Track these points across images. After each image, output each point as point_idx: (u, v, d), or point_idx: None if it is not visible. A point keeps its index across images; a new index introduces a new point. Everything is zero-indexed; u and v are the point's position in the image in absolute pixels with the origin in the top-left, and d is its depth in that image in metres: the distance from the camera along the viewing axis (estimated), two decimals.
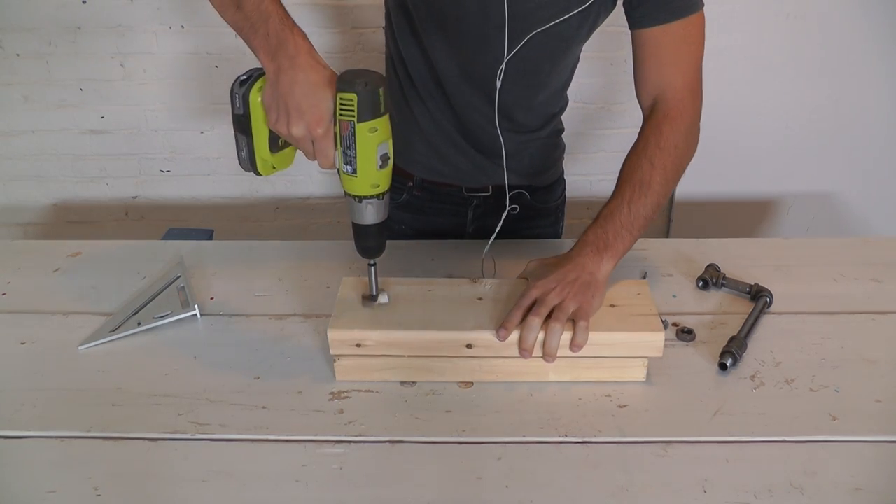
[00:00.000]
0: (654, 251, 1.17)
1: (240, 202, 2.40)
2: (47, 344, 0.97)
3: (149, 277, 1.11)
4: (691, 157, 1.00)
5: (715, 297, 1.06)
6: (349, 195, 0.83)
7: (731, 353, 0.91)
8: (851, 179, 2.34)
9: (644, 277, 1.10)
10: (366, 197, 0.82)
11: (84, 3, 2.06)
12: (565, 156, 1.32)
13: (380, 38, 1.18)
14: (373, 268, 0.88)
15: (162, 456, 0.79)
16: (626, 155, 1.00)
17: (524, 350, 0.84)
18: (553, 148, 1.25)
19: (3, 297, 1.07)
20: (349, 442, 0.80)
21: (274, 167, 0.88)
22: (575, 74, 1.17)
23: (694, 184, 2.27)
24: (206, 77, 2.16)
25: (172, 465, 0.77)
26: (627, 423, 0.83)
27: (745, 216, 2.41)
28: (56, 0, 2.05)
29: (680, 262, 1.14)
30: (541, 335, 0.84)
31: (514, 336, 0.85)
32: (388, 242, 0.89)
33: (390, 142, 0.81)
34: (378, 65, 1.20)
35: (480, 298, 0.91)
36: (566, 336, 0.84)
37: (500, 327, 0.85)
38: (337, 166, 0.82)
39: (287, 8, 0.83)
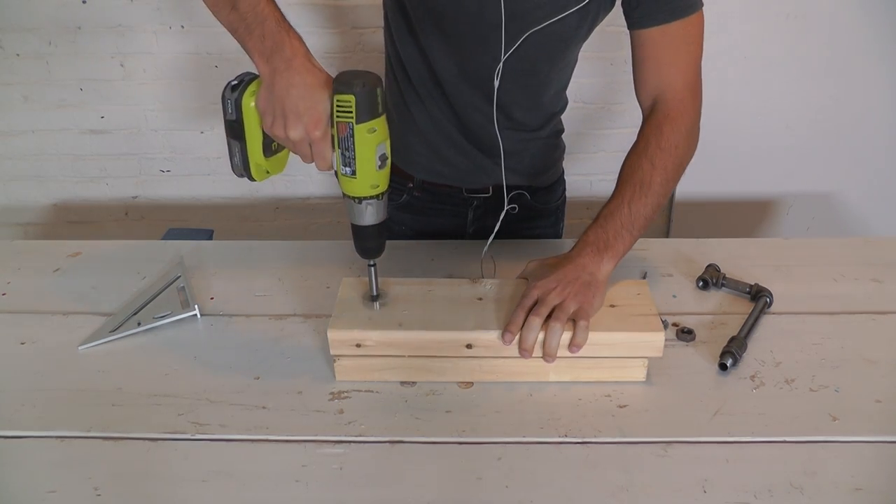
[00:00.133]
0: (654, 251, 1.17)
1: (240, 202, 2.40)
2: (47, 344, 0.97)
3: (149, 277, 1.11)
4: (691, 157, 1.00)
5: (715, 297, 1.06)
6: (348, 197, 0.83)
7: (731, 353, 0.91)
8: (851, 179, 2.34)
9: (644, 277, 1.10)
10: (365, 198, 0.82)
11: (84, 3, 2.06)
12: (565, 156, 1.32)
13: (379, 38, 1.18)
14: (373, 268, 0.88)
15: (162, 456, 0.79)
16: (626, 155, 1.00)
17: (524, 350, 0.84)
18: (553, 148, 1.25)
19: (3, 297, 1.07)
20: (349, 442, 0.80)
21: (268, 172, 0.88)
22: (575, 74, 1.17)
23: (694, 184, 2.28)
24: (206, 77, 2.16)
25: (172, 465, 0.77)
26: (627, 423, 0.83)
27: (745, 216, 2.41)
28: (56, 0, 2.05)
29: (680, 262, 1.14)
30: (541, 335, 0.84)
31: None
32: (388, 243, 0.89)
33: (388, 142, 0.81)
34: (378, 65, 1.20)
35: (480, 298, 0.91)
36: (566, 336, 0.84)
37: (505, 330, 0.84)
38: (335, 168, 0.82)
39: (286, 8, 0.82)
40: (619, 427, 0.82)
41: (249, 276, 1.12)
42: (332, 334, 0.86)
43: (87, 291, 1.08)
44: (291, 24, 0.82)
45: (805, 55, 2.14)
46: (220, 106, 0.83)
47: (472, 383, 0.89)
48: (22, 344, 0.97)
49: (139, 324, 0.99)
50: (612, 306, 0.89)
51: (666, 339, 0.86)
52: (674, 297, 1.06)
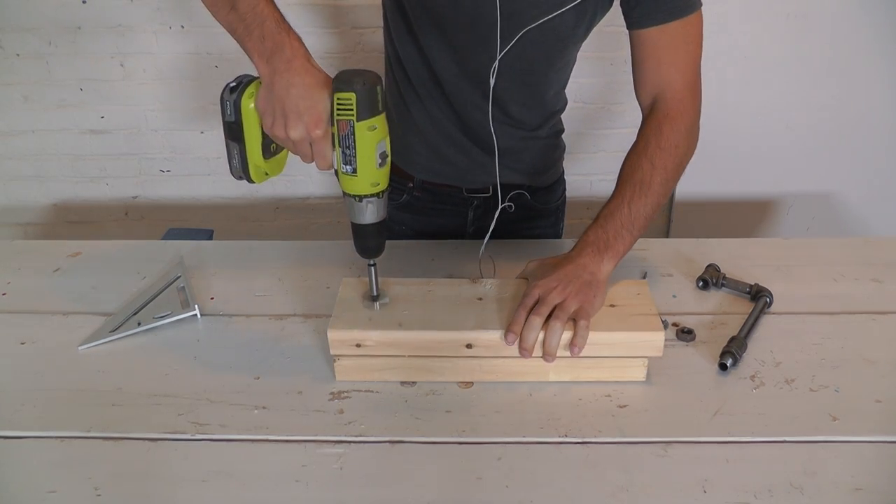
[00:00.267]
0: (654, 251, 1.17)
1: (240, 202, 2.40)
2: (47, 344, 0.97)
3: (149, 277, 1.11)
4: (691, 157, 1.00)
5: (715, 297, 1.06)
6: (349, 195, 0.83)
7: (732, 353, 0.91)
8: (851, 179, 2.34)
9: (644, 277, 1.10)
10: (366, 196, 0.82)
11: (84, 3, 2.06)
12: (565, 156, 1.32)
13: (379, 38, 1.18)
14: (373, 268, 0.88)
15: (162, 456, 0.79)
16: (625, 155, 1.00)
17: (524, 349, 0.84)
18: (553, 148, 1.26)
19: (3, 297, 1.07)
20: (349, 442, 0.80)
21: (266, 174, 0.88)
22: (575, 74, 1.17)
23: (694, 184, 2.28)
24: (206, 77, 2.16)
25: (172, 465, 0.77)
26: (627, 423, 0.83)
27: (745, 216, 2.41)
28: (56, 0, 2.05)
29: (680, 262, 1.14)
30: (541, 335, 0.84)
31: None
32: (388, 243, 0.89)
33: (388, 140, 0.81)
34: (377, 65, 1.20)
35: (480, 298, 0.91)
36: (567, 336, 0.84)
37: (508, 330, 0.84)
38: (335, 167, 0.82)
39: (286, 8, 0.83)
40: (619, 427, 0.82)
41: (249, 276, 1.12)
42: (332, 334, 0.86)
43: (87, 291, 1.08)
44: (290, 24, 0.82)
45: (805, 55, 2.14)
46: (219, 106, 0.83)
47: (472, 383, 0.89)
48: (22, 344, 0.97)
49: (139, 324, 0.99)
50: (613, 306, 0.89)
51: (666, 339, 0.86)
52: (674, 297, 1.06)
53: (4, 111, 2.22)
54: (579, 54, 1.13)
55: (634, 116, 1.04)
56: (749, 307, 1.02)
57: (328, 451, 0.79)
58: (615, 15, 1.02)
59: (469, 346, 0.86)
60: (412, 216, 1.25)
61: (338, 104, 0.77)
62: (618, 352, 0.86)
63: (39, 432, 0.82)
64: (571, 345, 0.84)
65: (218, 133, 2.25)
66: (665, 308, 1.02)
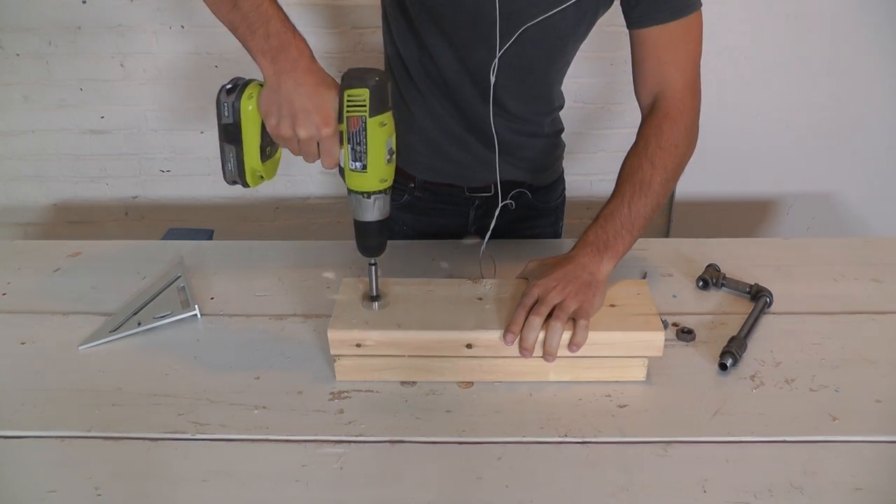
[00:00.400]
0: (654, 251, 1.17)
1: (240, 202, 2.40)
2: (47, 344, 0.97)
3: (149, 277, 1.11)
4: (691, 156, 1.00)
5: (715, 297, 1.06)
6: (356, 192, 0.83)
7: (731, 353, 0.91)
8: (851, 179, 2.34)
9: (644, 277, 1.10)
10: (374, 192, 0.83)
11: (84, 3, 2.06)
12: (565, 156, 1.32)
13: (379, 38, 1.18)
14: (373, 267, 0.88)
15: (162, 456, 0.79)
16: (625, 155, 1.00)
17: (524, 349, 0.84)
18: (554, 147, 1.26)
19: (3, 297, 1.07)
20: (349, 442, 0.80)
21: (262, 177, 0.87)
22: (575, 74, 1.18)
23: (694, 184, 2.28)
24: (206, 77, 2.16)
25: (172, 465, 0.77)
26: (627, 423, 0.83)
27: (745, 216, 2.41)
28: (56, 0, 2.05)
29: (680, 262, 1.14)
30: (541, 335, 0.84)
31: None
32: (389, 242, 0.89)
33: (394, 137, 0.82)
34: (377, 65, 1.20)
35: (480, 298, 0.91)
36: (567, 335, 0.84)
37: (507, 331, 0.85)
38: (342, 165, 0.82)
39: (287, 8, 0.82)
40: (619, 427, 0.82)
41: (249, 276, 1.12)
42: (332, 334, 0.86)
43: (87, 291, 1.08)
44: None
45: (805, 55, 2.14)
46: (215, 109, 0.83)
47: (472, 383, 0.89)
48: (22, 344, 0.97)
49: (139, 324, 0.99)
50: (612, 306, 0.89)
51: (666, 339, 0.86)
52: (674, 297, 1.06)
53: (4, 111, 2.22)
54: (580, 54, 1.13)
55: (634, 116, 1.05)
56: (749, 307, 1.02)
57: (328, 451, 0.79)
58: (615, 15, 1.02)
59: (469, 346, 0.86)
60: (413, 216, 1.25)
61: (349, 101, 0.77)
62: (618, 352, 0.87)
63: (39, 432, 0.82)
64: (571, 343, 0.84)
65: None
66: (665, 308, 1.02)
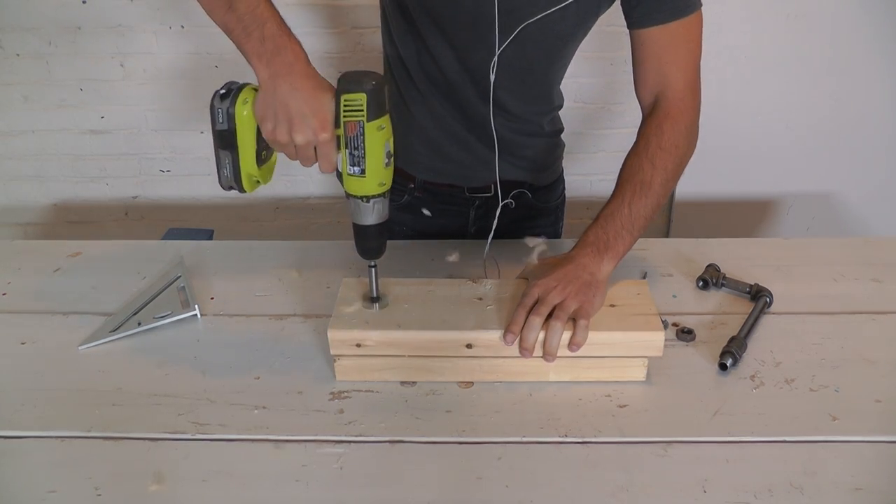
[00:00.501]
0: (654, 251, 1.17)
1: (240, 202, 2.40)
2: (47, 344, 0.97)
3: (149, 277, 1.11)
4: (691, 156, 1.01)
5: (715, 297, 1.06)
6: (355, 197, 0.83)
7: (731, 353, 0.91)
8: (851, 179, 2.34)
9: (644, 277, 1.10)
10: (373, 196, 0.82)
11: (84, 3, 2.06)
12: (565, 156, 1.32)
13: (379, 38, 1.18)
14: (373, 269, 0.88)
15: (162, 456, 0.79)
16: (626, 154, 1.00)
17: (525, 349, 0.84)
18: (554, 147, 1.26)
19: (3, 297, 1.07)
20: (349, 442, 0.80)
21: (258, 182, 0.87)
22: (575, 74, 1.18)
23: (694, 184, 2.27)
24: (206, 77, 2.16)
25: (172, 465, 0.77)
26: (627, 423, 0.83)
27: (745, 216, 2.41)
28: (56, 0, 2.05)
29: (680, 262, 1.14)
30: (541, 335, 0.84)
31: None
32: (389, 243, 0.90)
33: (392, 140, 0.81)
34: (377, 65, 1.20)
35: (480, 298, 0.91)
36: (567, 335, 0.84)
37: (507, 331, 0.85)
38: (339, 169, 0.82)
39: (286, 8, 0.82)
40: (619, 427, 0.82)
41: (249, 276, 1.12)
42: (332, 334, 0.86)
43: (87, 291, 1.08)
44: (289, 26, 0.82)
45: (805, 55, 2.14)
46: (210, 115, 0.82)
47: (472, 383, 0.89)
48: (22, 344, 0.97)
49: (139, 324, 0.99)
50: (613, 306, 0.89)
51: (666, 339, 0.86)
52: (674, 297, 1.06)
53: (4, 111, 2.22)
54: (580, 54, 1.13)
55: (634, 116, 1.05)
56: (749, 307, 1.02)
57: (328, 451, 0.79)
58: (615, 15, 1.02)
59: (469, 346, 0.86)
60: (413, 217, 1.25)
61: (345, 106, 0.77)
62: (618, 352, 0.87)
63: (39, 432, 0.82)
64: (571, 343, 0.84)
65: None
66: (665, 308, 1.02)
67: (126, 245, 1.22)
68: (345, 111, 0.77)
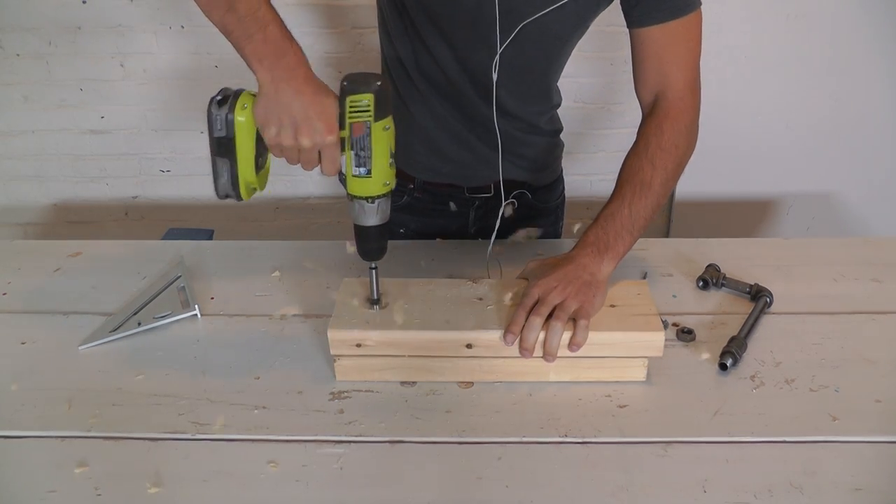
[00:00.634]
0: (654, 251, 1.17)
1: (240, 202, 2.40)
2: (47, 344, 0.97)
3: (149, 277, 1.11)
4: (691, 156, 1.01)
5: (715, 297, 1.06)
6: (359, 198, 0.82)
7: (732, 353, 0.91)
8: (851, 179, 2.34)
9: (644, 277, 1.10)
10: (377, 196, 0.82)
11: (84, 3, 2.06)
12: (565, 156, 1.32)
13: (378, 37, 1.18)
14: (374, 271, 0.88)
15: (162, 456, 0.79)
16: (626, 154, 1.00)
17: (525, 349, 0.84)
18: (553, 146, 1.26)
19: (3, 297, 1.07)
20: (349, 442, 0.80)
21: (255, 189, 0.86)
22: (575, 74, 1.18)
23: (694, 184, 2.27)
24: (206, 77, 2.16)
25: (173, 465, 0.77)
26: (627, 423, 0.83)
27: (745, 216, 2.41)
28: (56, 0, 2.05)
29: (680, 262, 1.14)
30: (541, 335, 0.84)
31: None
32: (389, 243, 0.89)
33: (394, 139, 0.82)
34: (377, 65, 1.20)
35: (481, 298, 0.91)
36: (567, 335, 0.84)
37: (507, 331, 0.84)
38: (343, 171, 0.82)
39: (286, 8, 0.82)
40: (619, 427, 0.82)
41: (249, 276, 1.12)
42: (332, 334, 0.86)
43: (87, 291, 1.08)
44: (289, 27, 0.81)
45: (805, 55, 2.14)
46: (207, 122, 0.81)
47: (472, 383, 0.89)
48: (22, 344, 0.97)
49: (139, 324, 0.99)
50: (613, 306, 0.89)
51: (666, 339, 0.86)
52: (674, 297, 1.06)
53: (4, 111, 2.22)
54: (580, 54, 1.13)
55: (634, 116, 1.05)
56: (749, 307, 1.02)
57: (328, 451, 0.79)
58: (615, 14, 1.02)
59: (469, 346, 0.86)
60: (412, 217, 1.25)
61: (351, 107, 0.77)
62: (618, 352, 0.87)
63: (39, 432, 0.82)
64: (571, 343, 0.84)
65: None
66: (665, 308, 1.02)
67: (126, 245, 1.22)
68: (351, 112, 0.77)
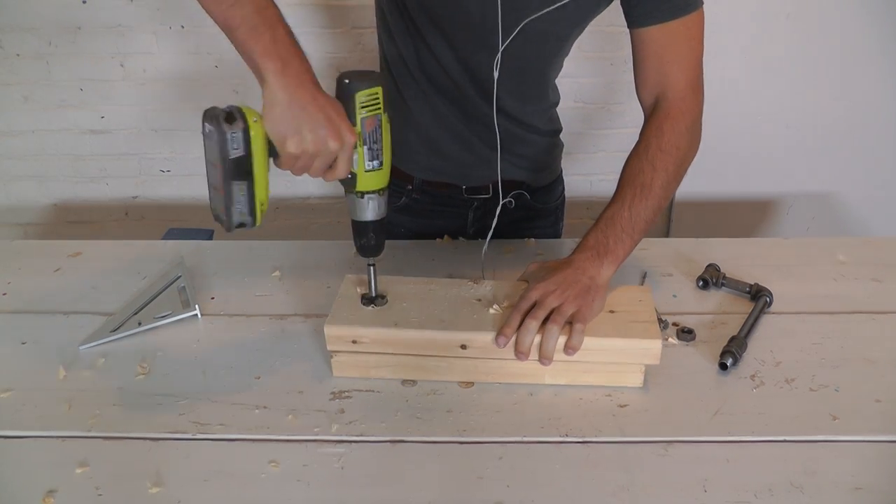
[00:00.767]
0: (654, 251, 1.17)
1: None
2: (48, 344, 0.97)
3: (149, 277, 1.11)
4: (694, 155, 1.00)
5: (715, 297, 1.06)
6: (370, 193, 0.83)
7: (732, 352, 0.91)
8: (851, 179, 2.34)
9: (644, 277, 1.10)
10: (385, 188, 0.84)
11: (84, 3, 2.06)
12: (565, 156, 1.32)
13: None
14: (372, 268, 0.88)
15: (162, 456, 0.79)
16: (626, 155, 1.00)
17: (521, 352, 0.84)
18: (552, 146, 1.26)
19: (3, 297, 1.07)
20: (350, 441, 0.80)
21: (265, 210, 0.79)
22: (575, 74, 1.18)
23: (694, 184, 2.25)
24: (206, 77, 2.16)
25: (173, 465, 0.77)
26: (628, 422, 0.83)
27: (745, 216, 2.41)
28: (56, 0, 2.05)
29: (680, 262, 1.14)
30: (537, 338, 0.84)
31: (512, 338, 0.85)
32: (388, 242, 0.90)
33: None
34: (377, 65, 1.20)
35: (479, 299, 0.91)
36: (563, 339, 0.84)
37: (499, 333, 0.84)
38: (354, 170, 0.81)
39: (287, 8, 0.81)
40: (620, 426, 0.82)
41: (249, 276, 1.12)
42: (329, 330, 0.86)
43: (87, 291, 1.08)
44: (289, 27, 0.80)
45: (805, 55, 2.14)
46: (214, 146, 0.73)
47: (473, 383, 0.89)
48: (23, 343, 0.97)
49: (140, 323, 0.99)
50: (612, 312, 0.89)
51: (666, 339, 0.86)
52: (674, 296, 1.06)
53: (4, 111, 2.22)
54: (580, 54, 1.13)
55: (634, 116, 1.04)
56: (749, 307, 1.02)
57: (329, 451, 0.79)
58: (615, 15, 1.02)
59: (464, 346, 0.86)
60: (411, 218, 1.25)
61: (362, 103, 0.77)
62: (614, 358, 0.86)
63: (39, 432, 0.82)
64: (566, 346, 0.84)
65: None
66: (665, 308, 1.02)
67: (126, 245, 1.22)
68: (361, 108, 0.77)
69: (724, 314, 1.02)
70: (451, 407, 0.85)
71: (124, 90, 2.19)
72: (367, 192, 0.83)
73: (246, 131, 0.73)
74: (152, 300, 1.05)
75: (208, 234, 1.78)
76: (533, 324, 0.84)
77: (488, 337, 0.85)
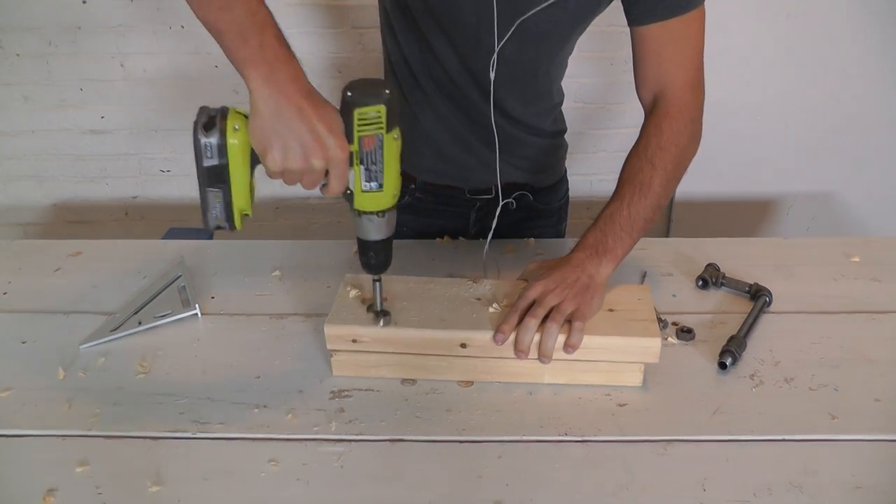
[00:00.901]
0: (654, 251, 1.17)
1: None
2: (48, 343, 0.97)
3: (149, 277, 1.11)
4: (694, 154, 1.00)
5: (715, 297, 1.06)
6: (368, 213, 0.77)
7: (731, 352, 0.91)
8: (851, 179, 2.34)
9: (644, 277, 1.10)
10: (388, 210, 0.78)
11: (84, 3, 2.06)
12: (566, 156, 1.32)
13: (380, 37, 1.18)
14: (378, 283, 0.85)
15: (163, 455, 0.79)
16: (626, 155, 1.00)
17: (520, 351, 0.84)
18: (556, 147, 1.26)
19: (3, 297, 1.07)
20: (349, 440, 0.80)
21: (247, 216, 0.79)
22: (575, 74, 1.18)
23: (694, 184, 2.26)
24: (206, 77, 2.16)
25: (173, 464, 0.78)
26: (627, 421, 0.83)
27: (745, 216, 2.41)
28: (56, 0, 2.05)
29: (680, 261, 1.14)
30: (537, 336, 0.84)
31: (511, 336, 0.85)
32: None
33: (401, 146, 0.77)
34: (378, 65, 1.20)
35: (479, 298, 0.91)
36: (563, 338, 0.84)
37: (497, 331, 0.84)
38: (351, 188, 0.76)
39: (286, 8, 0.80)
40: (619, 426, 0.82)
41: (249, 275, 1.12)
42: (329, 329, 0.86)
43: (87, 291, 1.08)
44: (289, 27, 0.78)
45: (805, 55, 2.14)
46: (194, 150, 0.73)
47: (472, 382, 0.89)
48: (23, 343, 0.97)
49: (140, 323, 0.99)
50: (611, 310, 0.89)
51: (665, 339, 0.86)
52: (674, 296, 1.06)
53: (4, 111, 2.22)
54: (580, 54, 1.13)
55: (634, 116, 1.05)
56: (748, 306, 1.02)
57: (329, 450, 0.79)
58: (615, 14, 1.02)
59: (463, 345, 0.86)
60: (414, 217, 1.25)
61: (360, 120, 0.71)
62: (613, 356, 0.86)
63: (40, 431, 0.82)
64: (566, 345, 0.84)
65: None
66: (665, 307, 1.02)
67: (126, 245, 1.22)
68: (360, 125, 0.71)
69: (724, 314, 1.02)
70: (450, 406, 0.85)
71: (124, 90, 2.19)
72: (365, 213, 0.78)
73: (222, 141, 0.71)
74: (152, 300, 1.05)
75: (208, 234, 1.78)
76: (532, 322, 0.84)
77: (488, 336, 0.85)
